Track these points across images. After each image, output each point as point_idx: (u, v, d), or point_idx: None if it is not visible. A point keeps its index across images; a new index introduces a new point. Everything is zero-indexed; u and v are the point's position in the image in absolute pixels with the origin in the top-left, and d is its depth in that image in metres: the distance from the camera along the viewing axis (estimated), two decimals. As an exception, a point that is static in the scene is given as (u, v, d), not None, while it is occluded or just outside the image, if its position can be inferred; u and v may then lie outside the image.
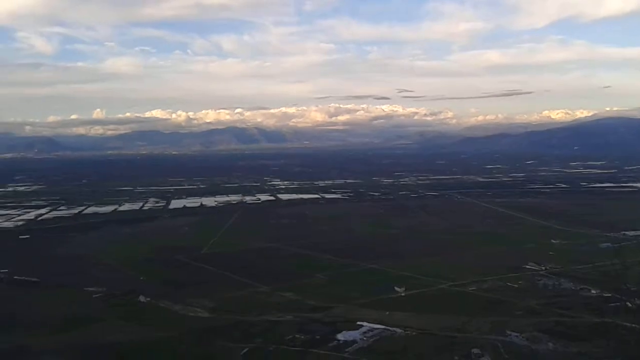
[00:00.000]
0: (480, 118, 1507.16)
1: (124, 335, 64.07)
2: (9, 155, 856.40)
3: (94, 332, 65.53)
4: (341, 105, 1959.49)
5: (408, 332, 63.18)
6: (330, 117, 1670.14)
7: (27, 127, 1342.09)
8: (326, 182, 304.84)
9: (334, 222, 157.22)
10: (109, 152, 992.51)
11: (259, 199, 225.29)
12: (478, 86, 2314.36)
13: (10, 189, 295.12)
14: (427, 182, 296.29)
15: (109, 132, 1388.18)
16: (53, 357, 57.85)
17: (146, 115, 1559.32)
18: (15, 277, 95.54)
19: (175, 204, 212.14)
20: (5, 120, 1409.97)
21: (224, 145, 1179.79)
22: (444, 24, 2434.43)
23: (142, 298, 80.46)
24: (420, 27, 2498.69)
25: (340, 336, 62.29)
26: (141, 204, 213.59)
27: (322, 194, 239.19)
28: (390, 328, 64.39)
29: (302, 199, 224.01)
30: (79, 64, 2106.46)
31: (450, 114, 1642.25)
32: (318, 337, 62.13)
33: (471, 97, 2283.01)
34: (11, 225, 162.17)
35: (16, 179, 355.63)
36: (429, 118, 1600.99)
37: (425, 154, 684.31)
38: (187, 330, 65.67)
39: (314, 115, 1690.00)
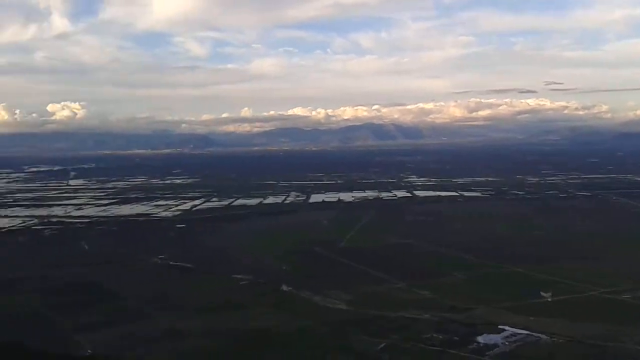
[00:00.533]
0: (639, 112, 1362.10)
1: (267, 322, 67.67)
2: (167, 151, 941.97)
3: (240, 318, 69.90)
4: (482, 100, 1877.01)
5: (554, 339, 59.39)
6: (470, 112, 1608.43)
7: (183, 125, 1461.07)
8: (465, 179, 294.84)
9: (473, 220, 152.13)
10: (255, 148, 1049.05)
11: (395, 196, 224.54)
12: (637, 78, 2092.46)
13: (168, 181, 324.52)
14: (578, 181, 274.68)
15: (255, 129, 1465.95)
16: (200, 339, 62.67)
17: (288, 113, 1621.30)
18: (171, 263, 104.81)
19: (315, 198, 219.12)
20: (164, 119, 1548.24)
21: (361, 142, 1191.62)
22: (597, 11, 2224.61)
23: (284, 287, 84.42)
24: (569, 15, 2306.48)
25: (480, 339, 60.20)
26: (283, 197, 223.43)
27: (461, 192, 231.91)
28: (534, 334, 60.96)
29: (439, 196, 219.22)
30: (229, 65, 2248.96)
31: (604, 108, 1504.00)
32: (457, 338, 60.62)
33: (629, 90, 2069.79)
34: (169, 215, 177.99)
35: (174, 173, 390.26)
36: (580, 112, 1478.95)
37: (576, 150, 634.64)
38: (325, 320, 67.74)
39: (453, 111, 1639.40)
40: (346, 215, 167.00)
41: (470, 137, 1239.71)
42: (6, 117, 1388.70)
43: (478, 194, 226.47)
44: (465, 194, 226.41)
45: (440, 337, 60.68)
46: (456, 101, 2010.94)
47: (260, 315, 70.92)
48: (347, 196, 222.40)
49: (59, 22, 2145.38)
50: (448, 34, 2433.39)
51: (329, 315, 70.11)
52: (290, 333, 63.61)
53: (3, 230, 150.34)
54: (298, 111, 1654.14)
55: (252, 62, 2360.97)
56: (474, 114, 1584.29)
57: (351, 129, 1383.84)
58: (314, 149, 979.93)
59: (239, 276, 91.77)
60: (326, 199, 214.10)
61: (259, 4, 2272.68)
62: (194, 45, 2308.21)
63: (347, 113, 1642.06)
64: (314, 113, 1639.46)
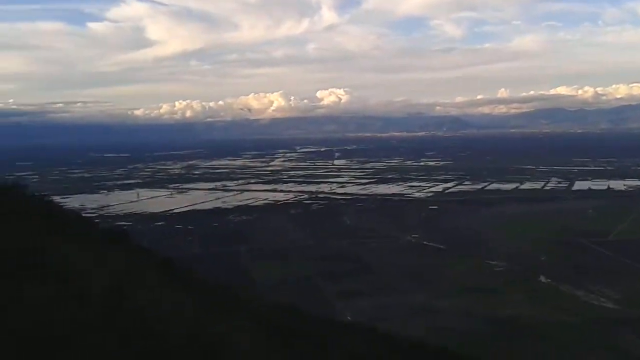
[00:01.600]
0: None
1: (523, 311, 65.14)
2: (420, 134, 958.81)
3: (494, 303, 68.65)
4: None
5: None
6: None
7: (437, 108, 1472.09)
8: None
9: None
10: (512, 130, 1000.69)
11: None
12: None
13: (422, 163, 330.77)
14: None
15: (512, 111, 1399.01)
16: (454, 318, 63.29)
17: (550, 93, 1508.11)
18: (424, 243, 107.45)
19: (579, 185, 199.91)
20: (419, 101, 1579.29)
21: (638, 123, 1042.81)
22: None
23: (542, 278, 79.90)
24: None
25: None
26: (542, 183, 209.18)
27: None
28: None
29: None
30: (486, 45, 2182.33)
31: None
32: None
33: None
34: (422, 196, 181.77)
35: (427, 155, 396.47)
36: None
37: None
38: (588, 317, 62.45)
39: None
40: (616, 205, 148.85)
41: None
42: (283, 103, 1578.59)
43: None
44: None
45: None
46: None
47: (516, 303, 68.54)
48: (618, 184, 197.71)
49: (328, 15, 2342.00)
50: None
51: (592, 312, 64.43)
52: (549, 325, 60.14)
53: (279, 203, 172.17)
54: (561, 90, 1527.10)
55: (511, 40, 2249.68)
56: None
57: (625, 109, 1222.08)
58: (579, 131, 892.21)
59: (493, 262, 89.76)
60: (592, 187, 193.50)
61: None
62: (450, 27, 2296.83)
63: (620, 91, 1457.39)
64: (579, 92, 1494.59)
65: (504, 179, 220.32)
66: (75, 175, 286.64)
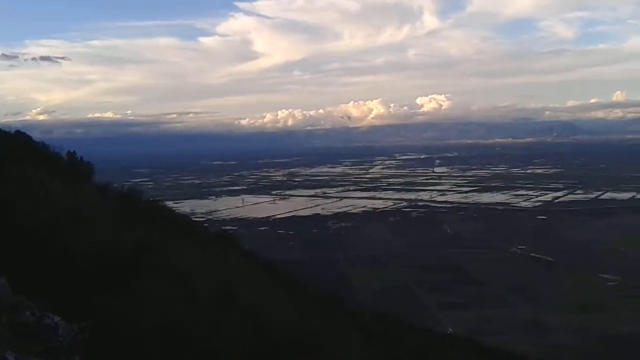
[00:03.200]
0: None
1: (636, 329, 60.35)
2: (528, 140, 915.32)
3: (607, 319, 64.32)
4: None
5: None
6: None
7: (547, 112, 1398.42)
8: None
9: None
10: (629, 136, 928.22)
11: None
12: None
13: (529, 171, 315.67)
14: None
15: (629, 115, 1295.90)
16: (564, 335, 59.81)
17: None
18: (532, 255, 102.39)
19: None
20: (525, 106, 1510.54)
21: None
22: None
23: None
24: None
25: None
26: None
27: None
28: None
29: None
30: (600, 46, 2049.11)
31: None
32: None
33: None
34: (529, 206, 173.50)
35: (535, 162, 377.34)
36: None
37: None
38: None
39: None
40: None
41: None
42: (382, 110, 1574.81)
43: None
44: None
45: None
46: None
47: (630, 321, 63.77)
48: None
49: (429, 20, 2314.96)
50: None
51: None
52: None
53: (378, 210, 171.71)
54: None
55: (627, 40, 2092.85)
56: None
57: None
58: None
59: (605, 275, 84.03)
60: None
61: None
62: (561, 27, 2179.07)
63: None
64: None
65: (619, 188, 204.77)
66: (186, 181, 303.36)
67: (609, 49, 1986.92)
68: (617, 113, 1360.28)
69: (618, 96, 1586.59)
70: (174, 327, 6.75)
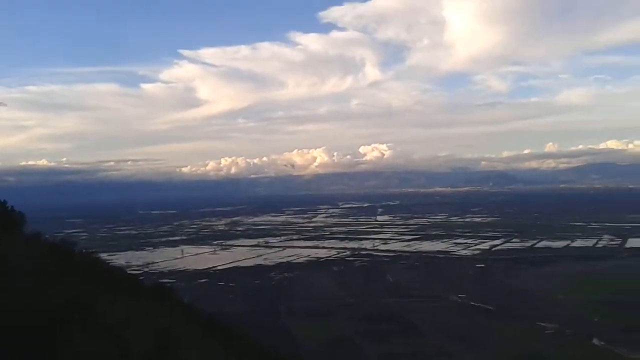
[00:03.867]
0: None
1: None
2: (465, 189, 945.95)
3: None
4: None
5: None
6: None
7: (483, 162, 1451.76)
8: None
9: None
10: (562, 185, 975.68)
11: None
12: None
13: (468, 219, 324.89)
14: None
15: (561, 166, 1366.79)
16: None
17: (600, 147, 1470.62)
18: (472, 303, 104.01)
19: (633, 242, 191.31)
20: (463, 156, 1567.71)
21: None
22: None
23: (595, 341, 75.86)
24: None
25: None
26: (595, 240, 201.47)
27: None
28: None
29: None
30: (533, 99, 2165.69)
31: None
32: None
33: None
34: (469, 254, 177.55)
35: (473, 211, 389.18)
36: None
37: None
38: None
39: None
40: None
41: None
42: (326, 158, 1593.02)
43: None
44: None
45: None
46: None
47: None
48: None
49: (372, 72, 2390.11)
50: None
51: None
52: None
53: (321, 259, 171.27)
54: (612, 144, 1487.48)
55: (558, 94, 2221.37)
56: None
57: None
58: (631, 186, 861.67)
59: (543, 324, 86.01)
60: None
61: (566, 32, 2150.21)
62: (495, 81, 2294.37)
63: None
64: (630, 146, 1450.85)
65: (554, 236, 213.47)
66: (122, 232, 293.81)
67: (542, 101, 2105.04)
68: (550, 163, 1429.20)
69: (550, 147, 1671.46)
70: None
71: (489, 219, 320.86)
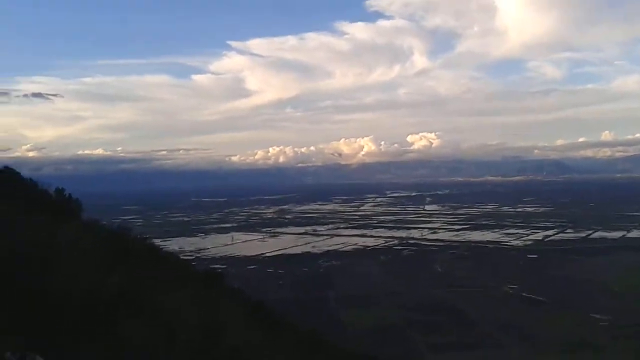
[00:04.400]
0: None
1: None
2: (518, 178, 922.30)
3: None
4: None
5: None
6: None
7: (536, 151, 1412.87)
8: None
9: None
10: (618, 175, 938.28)
11: None
12: None
13: (519, 209, 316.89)
14: None
15: (617, 154, 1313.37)
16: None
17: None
18: (523, 294, 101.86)
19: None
20: (515, 145, 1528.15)
21: None
22: None
23: (655, 334, 73.10)
24: None
25: None
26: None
27: None
28: None
29: None
30: (588, 86, 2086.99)
31: None
32: None
33: None
34: (520, 244, 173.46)
35: (525, 200, 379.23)
36: None
37: None
38: None
39: None
40: None
41: None
42: (373, 148, 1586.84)
43: None
44: None
45: None
46: None
47: (623, 362, 63.05)
48: None
49: (419, 60, 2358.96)
50: None
51: None
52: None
53: (369, 248, 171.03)
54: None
55: (614, 81, 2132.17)
56: None
57: None
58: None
59: (597, 315, 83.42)
60: None
61: (619, 18, 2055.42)
62: (549, 68, 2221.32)
63: None
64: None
65: (609, 227, 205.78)
66: (175, 219, 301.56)
67: (597, 89, 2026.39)
68: (606, 152, 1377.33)
69: (606, 135, 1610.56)
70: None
71: (542, 209, 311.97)
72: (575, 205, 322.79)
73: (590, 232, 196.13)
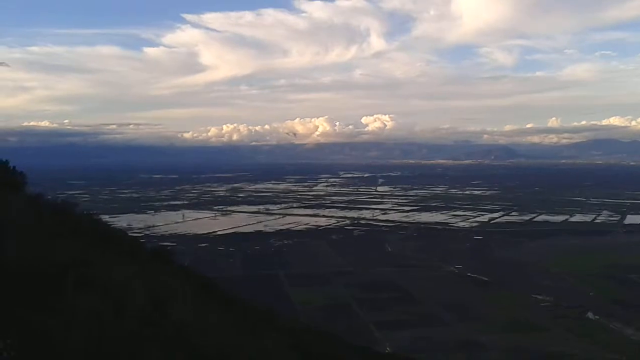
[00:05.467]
0: None
1: (570, 349, 62.94)
2: (467, 162, 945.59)
3: (540, 340, 66.49)
4: None
5: None
6: None
7: (485, 136, 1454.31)
8: None
9: None
10: (563, 160, 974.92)
11: None
12: None
13: (467, 192, 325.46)
14: None
15: (563, 141, 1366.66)
16: (499, 354, 61.49)
17: (603, 123, 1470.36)
18: (469, 274, 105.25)
19: (632, 219, 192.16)
20: (466, 129, 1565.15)
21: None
22: None
23: (590, 315, 76.97)
24: None
25: None
26: (593, 216, 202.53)
27: None
28: None
29: None
30: (538, 73, 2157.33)
31: None
32: None
33: None
34: (467, 226, 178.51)
35: (473, 183, 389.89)
36: None
37: None
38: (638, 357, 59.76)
39: None
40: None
41: None
42: (328, 128, 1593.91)
43: None
44: None
45: None
46: None
47: (563, 341, 66.25)
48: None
49: (376, 42, 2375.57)
50: None
51: (642, 353, 61.51)
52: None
53: (320, 228, 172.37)
54: (615, 121, 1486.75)
55: (563, 69, 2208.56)
56: None
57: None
58: (632, 163, 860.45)
59: (539, 296, 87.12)
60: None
61: (572, 8, 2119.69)
62: (500, 54, 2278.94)
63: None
64: (633, 123, 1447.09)
65: (553, 211, 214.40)
66: (124, 195, 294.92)
67: (547, 76, 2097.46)
68: (552, 138, 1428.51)
69: (553, 122, 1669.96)
70: (99, 343, 6.59)
71: (489, 192, 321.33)
72: (521, 189, 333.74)
73: (535, 215, 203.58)
